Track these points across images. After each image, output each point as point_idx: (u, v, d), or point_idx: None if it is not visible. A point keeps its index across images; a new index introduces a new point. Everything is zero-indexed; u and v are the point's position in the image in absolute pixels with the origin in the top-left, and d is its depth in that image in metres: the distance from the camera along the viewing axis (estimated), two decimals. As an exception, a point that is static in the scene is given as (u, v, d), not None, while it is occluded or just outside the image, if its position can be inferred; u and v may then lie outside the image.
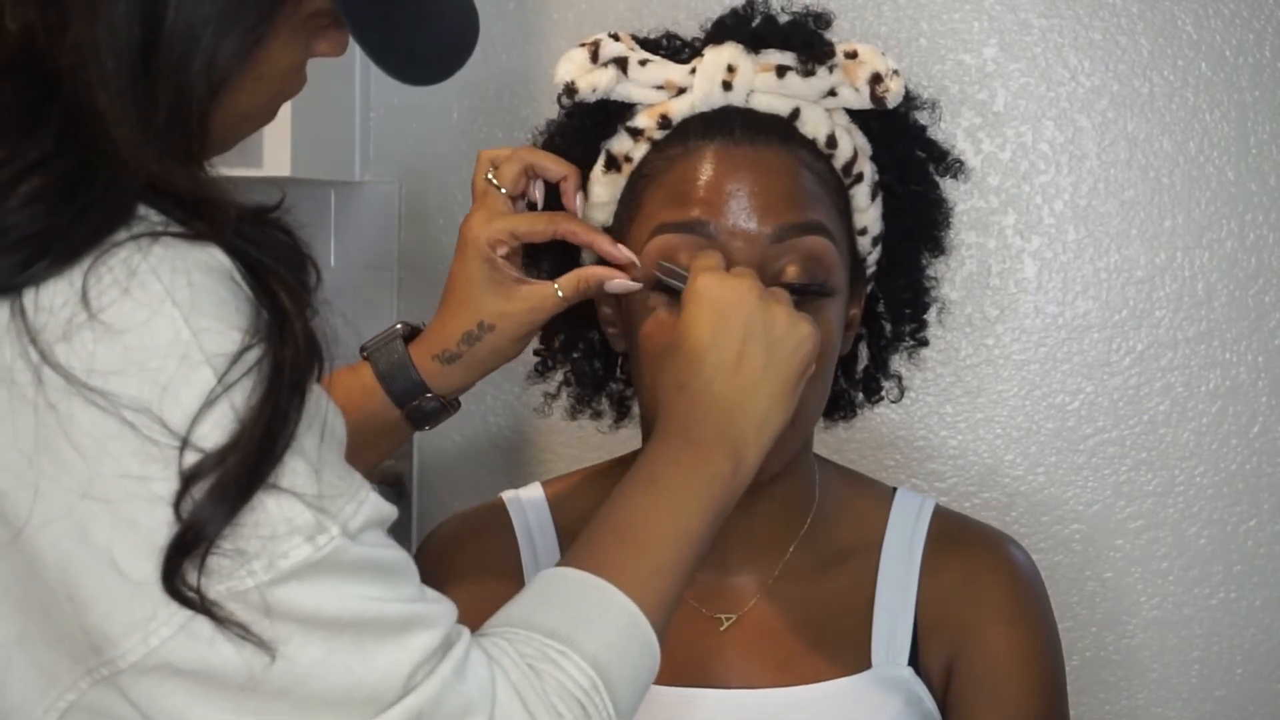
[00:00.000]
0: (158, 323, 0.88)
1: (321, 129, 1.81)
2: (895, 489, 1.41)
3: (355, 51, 1.91)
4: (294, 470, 0.90)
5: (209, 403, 0.88)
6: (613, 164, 1.31)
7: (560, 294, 1.28)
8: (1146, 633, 1.86)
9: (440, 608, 0.97)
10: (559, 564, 1.06)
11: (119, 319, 0.88)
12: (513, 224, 1.29)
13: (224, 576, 0.88)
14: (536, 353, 1.42)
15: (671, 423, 1.12)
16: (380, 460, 1.36)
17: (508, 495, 1.43)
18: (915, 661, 1.34)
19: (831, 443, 1.85)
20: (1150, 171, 1.85)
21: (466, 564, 1.37)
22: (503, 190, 1.30)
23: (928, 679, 1.34)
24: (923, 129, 1.36)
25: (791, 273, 1.26)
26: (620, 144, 1.31)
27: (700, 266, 1.18)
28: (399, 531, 1.88)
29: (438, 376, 1.31)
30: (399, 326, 1.33)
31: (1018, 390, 1.87)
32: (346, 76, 1.89)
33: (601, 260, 1.29)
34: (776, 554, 1.36)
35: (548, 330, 1.40)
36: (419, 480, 1.91)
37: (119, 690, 0.90)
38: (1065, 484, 1.86)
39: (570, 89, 1.30)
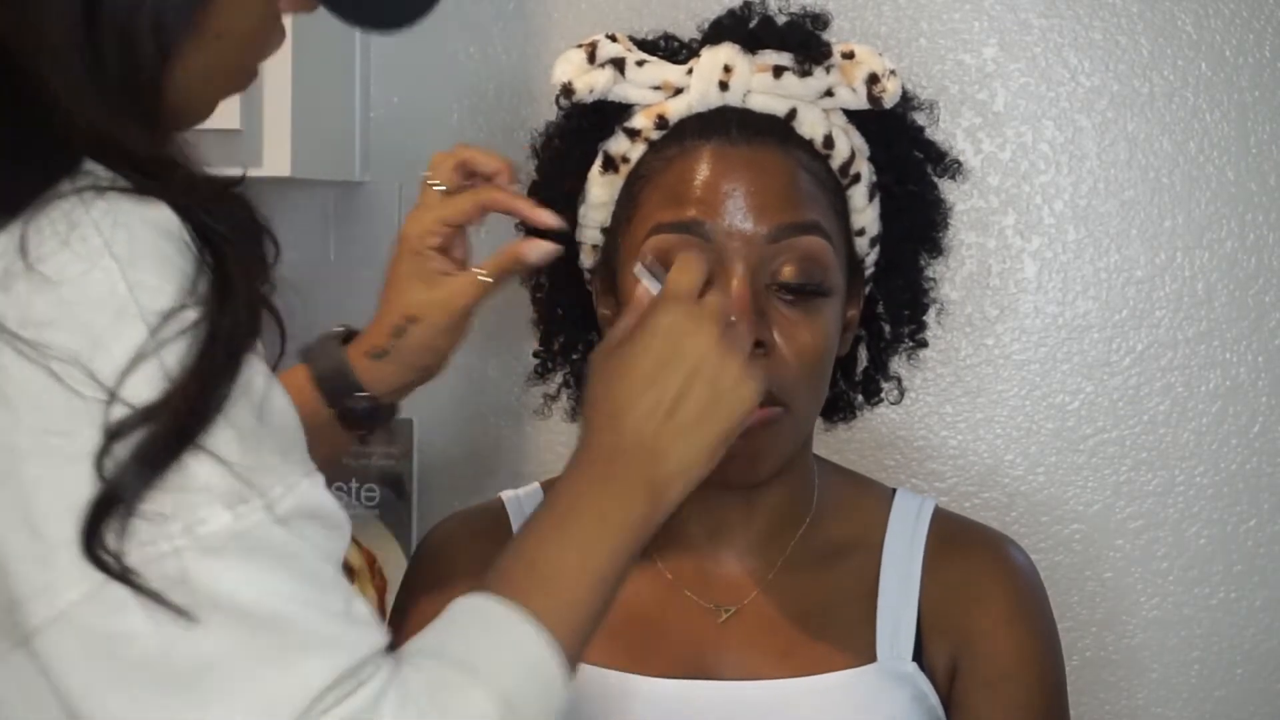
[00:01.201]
0: (94, 275, 0.87)
1: (321, 129, 1.81)
2: (895, 490, 1.41)
3: (355, 51, 1.92)
4: (222, 438, 0.89)
5: (139, 358, 0.87)
6: (610, 165, 1.32)
7: (486, 278, 1.28)
8: (1146, 633, 1.86)
9: (360, 634, 0.93)
10: (473, 592, 1.03)
11: (56, 270, 0.87)
12: (439, 213, 1.30)
13: (142, 541, 0.86)
14: (536, 354, 1.42)
15: (597, 451, 1.08)
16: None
17: (507, 495, 1.43)
18: (919, 658, 1.34)
19: (831, 443, 1.84)
20: (1150, 171, 1.85)
21: (464, 564, 1.37)
22: (441, 187, 1.31)
23: (932, 676, 1.34)
24: (920, 129, 1.37)
25: (788, 272, 1.26)
26: (618, 145, 1.31)
27: (670, 293, 1.11)
28: (399, 531, 1.89)
29: (370, 373, 1.31)
30: (338, 328, 1.34)
31: (1018, 390, 1.87)
32: (346, 76, 1.89)
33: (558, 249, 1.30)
34: (775, 549, 1.36)
35: (547, 332, 1.41)
36: (419, 480, 1.91)
37: (29, 653, 0.88)
38: (1065, 484, 1.86)
39: (567, 90, 1.30)
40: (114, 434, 0.86)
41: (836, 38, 1.34)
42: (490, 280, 1.29)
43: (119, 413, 0.86)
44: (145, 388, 0.87)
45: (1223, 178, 1.84)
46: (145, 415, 0.86)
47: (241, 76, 1.02)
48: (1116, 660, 1.86)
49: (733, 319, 1.12)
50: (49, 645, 0.88)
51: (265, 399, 0.92)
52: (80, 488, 0.86)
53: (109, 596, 0.86)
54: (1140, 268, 1.85)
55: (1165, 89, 1.84)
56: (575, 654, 1.03)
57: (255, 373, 0.92)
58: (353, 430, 1.33)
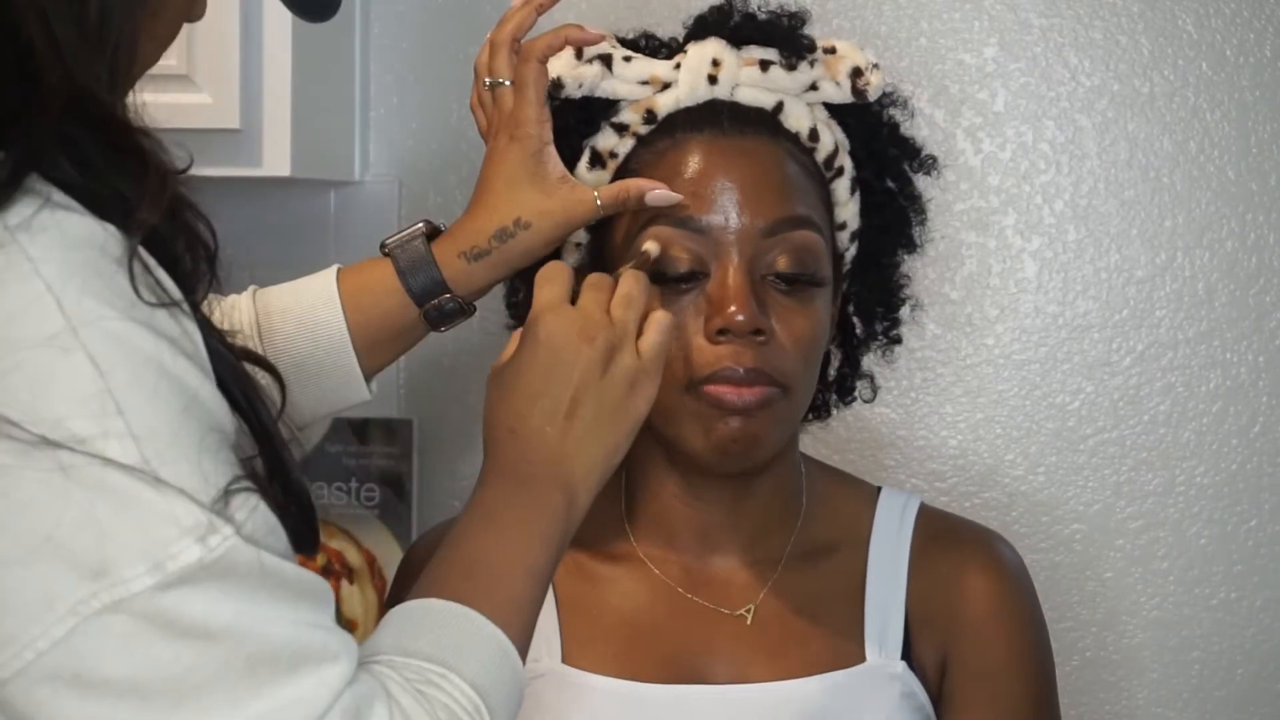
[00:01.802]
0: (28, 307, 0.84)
1: (321, 129, 1.81)
2: (879, 488, 1.41)
3: (355, 51, 1.92)
4: (182, 468, 0.86)
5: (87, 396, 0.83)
6: (597, 161, 1.32)
7: (599, 202, 1.28)
8: (1146, 633, 1.85)
9: (346, 638, 0.93)
10: (413, 597, 1.02)
11: None
12: (531, 67, 1.28)
13: (114, 581, 0.83)
14: None
15: (503, 465, 1.09)
16: (392, 360, 1.36)
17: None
18: (908, 656, 1.34)
19: (833, 442, 1.85)
20: (1151, 171, 1.85)
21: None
22: (506, 82, 1.30)
23: (921, 674, 1.34)
24: (896, 125, 1.38)
25: (783, 263, 1.27)
26: (605, 140, 1.32)
27: (543, 303, 1.12)
28: (399, 531, 1.88)
29: (461, 275, 1.30)
30: (420, 225, 1.32)
31: (1018, 390, 1.87)
32: (346, 76, 1.89)
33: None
34: (764, 548, 1.36)
35: None
36: (419, 480, 1.91)
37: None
38: (1065, 484, 1.86)
39: (556, 84, 1.30)
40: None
41: (838, 37, 1.35)
42: (601, 205, 1.28)
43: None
44: (92, 425, 0.83)
45: (1223, 177, 1.84)
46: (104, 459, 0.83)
47: (161, 52, 1.01)
48: (1117, 660, 1.86)
49: (617, 311, 1.12)
50: (21, 695, 0.85)
51: (196, 397, 0.88)
52: (36, 534, 0.83)
53: (80, 645, 0.84)
54: (1141, 267, 1.85)
55: (1166, 89, 1.84)
56: (525, 648, 1.03)
57: (186, 372, 0.88)
58: (432, 328, 1.33)
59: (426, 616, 1.00)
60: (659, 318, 1.14)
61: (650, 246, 1.25)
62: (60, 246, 0.85)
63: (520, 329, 1.14)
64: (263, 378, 1.07)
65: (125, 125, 0.91)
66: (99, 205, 0.88)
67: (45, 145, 0.87)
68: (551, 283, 1.13)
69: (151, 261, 0.89)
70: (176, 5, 0.98)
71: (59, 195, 0.87)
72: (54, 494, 0.83)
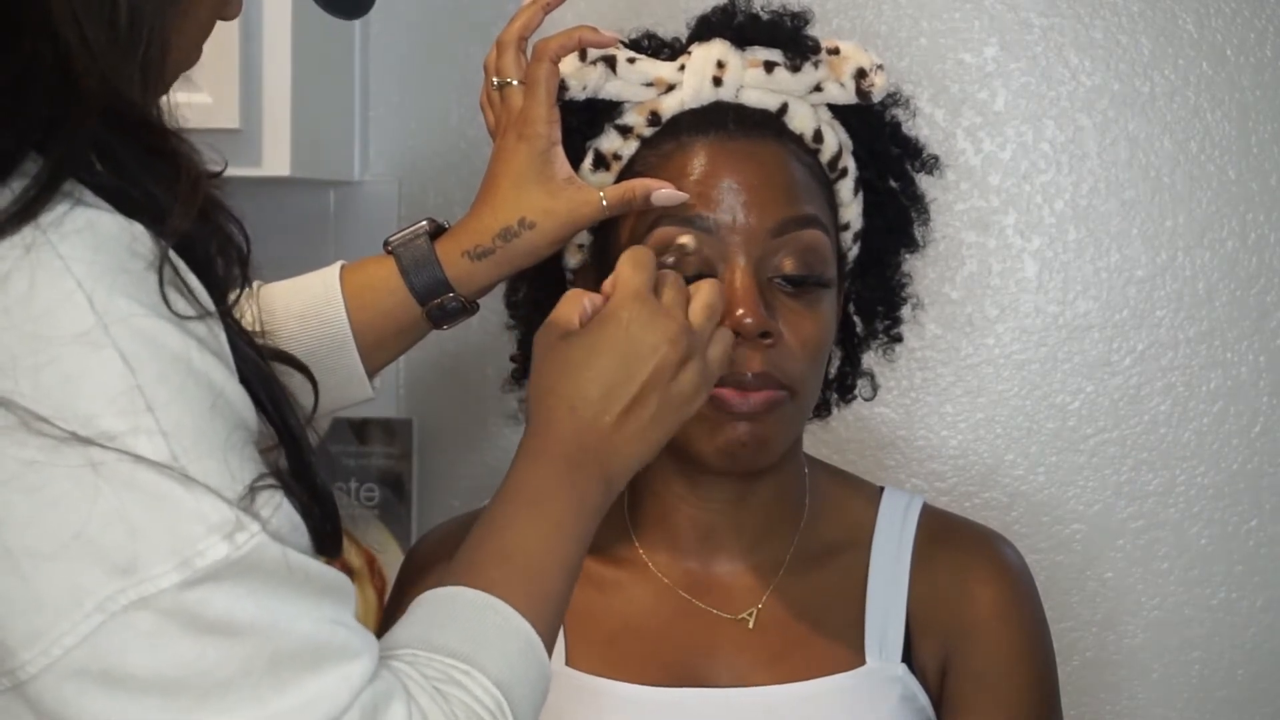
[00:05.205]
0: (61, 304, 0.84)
1: (321, 129, 1.81)
2: (883, 488, 1.41)
3: (355, 50, 1.92)
4: (209, 465, 0.86)
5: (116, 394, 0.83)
6: (601, 163, 1.32)
7: (604, 203, 1.27)
8: (1147, 633, 1.85)
9: (366, 635, 0.92)
10: (445, 583, 1.02)
11: (17, 299, 0.83)
12: (543, 67, 1.28)
13: (142, 577, 0.83)
14: (514, 359, 1.42)
15: (553, 443, 1.08)
16: (394, 358, 1.36)
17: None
18: (909, 659, 1.34)
19: (833, 442, 1.84)
20: (1151, 171, 1.84)
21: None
22: (514, 82, 1.30)
23: (922, 676, 1.34)
24: (899, 125, 1.37)
25: (789, 265, 1.27)
26: (609, 142, 1.31)
27: (632, 290, 1.11)
28: (399, 531, 1.88)
29: (464, 274, 1.30)
30: (424, 223, 1.32)
31: (1018, 390, 1.87)
32: (346, 76, 1.89)
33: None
34: (766, 551, 1.36)
35: (526, 337, 1.39)
36: (419, 480, 1.90)
37: (21, 696, 0.85)
38: (1066, 484, 1.86)
39: (560, 86, 1.30)
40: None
41: (838, 37, 1.34)
42: (607, 206, 1.28)
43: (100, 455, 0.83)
44: (122, 422, 0.83)
45: (1224, 177, 1.84)
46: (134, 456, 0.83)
47: (196, 56, 1.01)
48: (1117, 660, 1.86)
49: (695, 315, 1.12)
50: (48, 691, 0.84)
51: (222, 394, 0.88)
52: (65, 530, 0.83)
53: (106, 642, 0.83)
54: (1141, 267, 1.85)
55: (1166, 88, 1.84)
56: (552, 643, 1.02)
57: (212, 369, 0.88)
58: (435, 326, 1.33)
59: (455, 606, 1.00)
60: (725, 334, 1.15)
61: (686, 240, 1.25)
62: (91, 245, 0.85)
63: (575, 289, 1.14)
64: (294, 378, 1.06)
65: (158, 128, 0.92)
66: (131, 208, 0.88)
67: (83, 151, 0.88)
68: (640, 268, 1.12)
69: (182, 266, 0.89)
70: (209, 3, 0.98)
71: (90, 195, 0.88)
72: (84, 490, 0.83)
